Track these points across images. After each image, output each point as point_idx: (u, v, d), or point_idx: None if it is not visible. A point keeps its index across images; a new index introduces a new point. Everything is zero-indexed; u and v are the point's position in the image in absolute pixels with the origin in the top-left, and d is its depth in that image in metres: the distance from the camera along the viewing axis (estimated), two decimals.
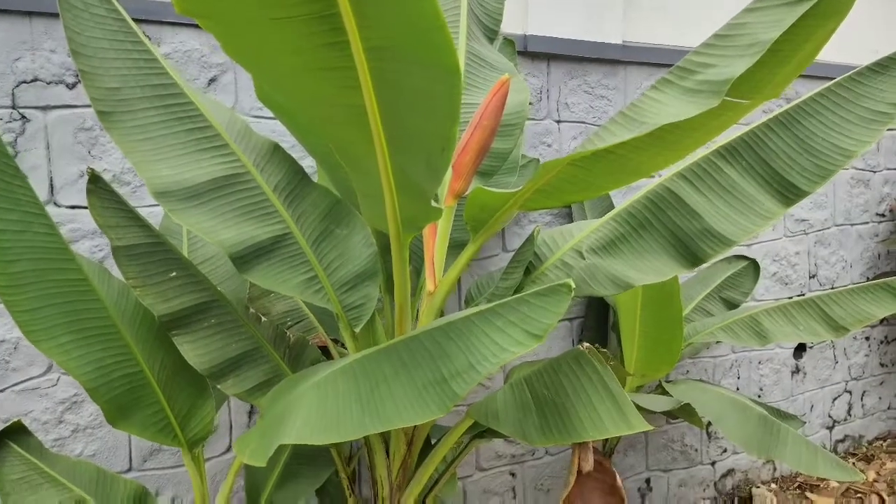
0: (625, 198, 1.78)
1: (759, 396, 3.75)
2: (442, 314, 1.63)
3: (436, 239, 1.57)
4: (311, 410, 1.25)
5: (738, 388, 3.67)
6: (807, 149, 1.64)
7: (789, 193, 1.62)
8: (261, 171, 1.57)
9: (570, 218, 2.91)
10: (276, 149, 1.69)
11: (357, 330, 1.61)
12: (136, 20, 2.21)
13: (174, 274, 1.56)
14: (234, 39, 1.08)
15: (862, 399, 4.14)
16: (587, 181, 1.42)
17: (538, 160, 2.80)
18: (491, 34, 2.10)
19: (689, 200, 1.61)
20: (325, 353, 1.94)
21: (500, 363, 1.11)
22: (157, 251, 1.55)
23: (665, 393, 2.77)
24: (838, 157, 1.62)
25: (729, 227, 1.58)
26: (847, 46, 3.16)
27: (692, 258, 1.59)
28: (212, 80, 2.30)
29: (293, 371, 1.66)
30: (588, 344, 1.37)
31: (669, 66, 3.15)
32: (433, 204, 1.25)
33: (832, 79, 1.73)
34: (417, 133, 1.13)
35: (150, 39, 2.24)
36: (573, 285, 1.08)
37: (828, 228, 3.85)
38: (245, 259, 1.48)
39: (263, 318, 1.72)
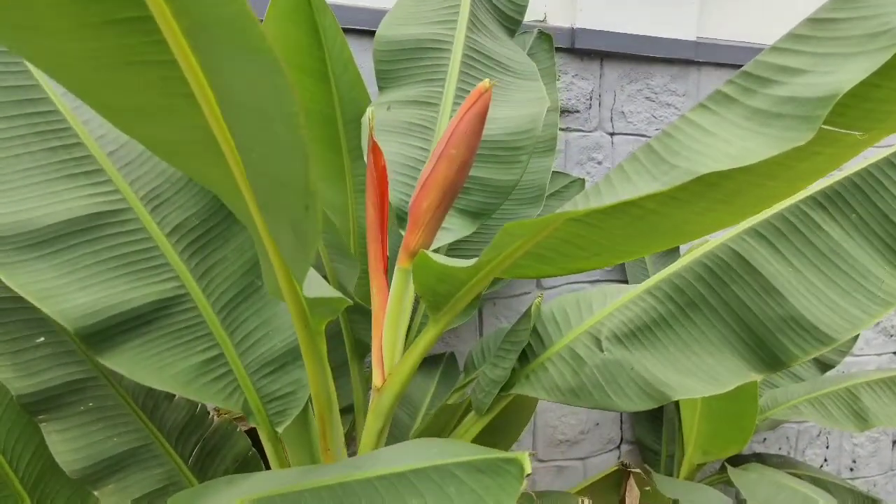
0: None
1: (852, 470, 3.09)
2: (394, 409, 1.17)
3: (386, 312, 1.10)
4: None
5: (825, 461, 3.03)
6: None
7: None
8: (156, 206, 1.15)
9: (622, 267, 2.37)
10: None
11: (280, 430, 1.16)
12: None
13: (42, 339, 1.16)
14: None
15: None
16: (600, 243, 0.91)
17: (583, 181, 2.28)
18: (511, 24, 1.60)
19: (767, 271, 1.07)
20: None
21: None
22: (18, 308, 1.15)
23: (728, 483, 2.22)
24: None
25: (828, 315, 1.04)
26: None
27: (769, 359, 1.06)
28: None
29: (200, 477, 1.23)
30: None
31: None
32: (310, 291, 0.79)
33: None
34: (271, 174, 0.67)
35: None
36: (528, 468, 0.60)
37: None
38: (104, 335, 1.04)
39: (178, 395, 1.30)
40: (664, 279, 1.13)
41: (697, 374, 1.07)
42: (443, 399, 1.60)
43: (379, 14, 1.65)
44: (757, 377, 1.06)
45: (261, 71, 0.55)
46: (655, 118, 2.47)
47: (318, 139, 1.59)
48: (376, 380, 1.10)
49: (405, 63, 1.41)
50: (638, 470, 1.32)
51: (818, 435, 2.99)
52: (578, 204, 0.79)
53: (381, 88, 1.48)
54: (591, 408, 1.09)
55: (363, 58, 2.09)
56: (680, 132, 0.74)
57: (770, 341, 1.06)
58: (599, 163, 2.41)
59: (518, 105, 1.34)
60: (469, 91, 1.38)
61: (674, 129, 0.76)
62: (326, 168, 1.66)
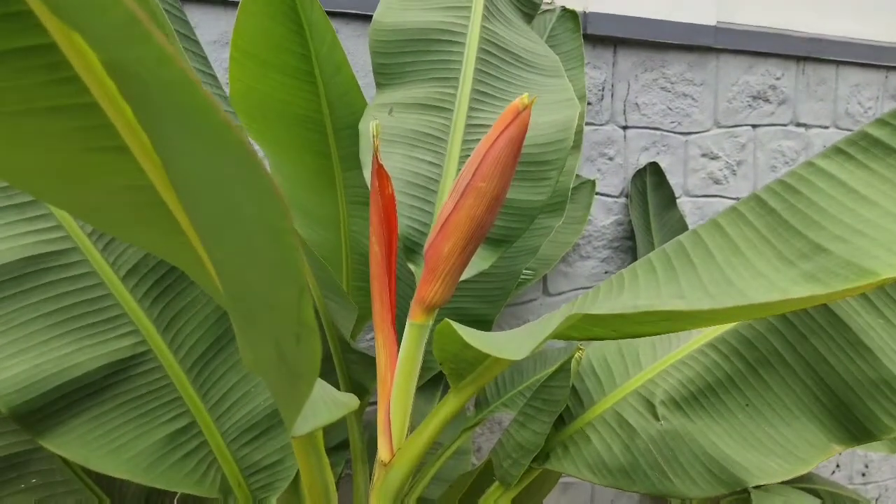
0: None
1: (864, 475, 2.97)
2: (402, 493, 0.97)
3: (394, 375, 0.90)
4: None
5: (837, 466, 2.90)
6: None
7: None
8: (108, 242, 0.93)
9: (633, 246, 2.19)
10: None
11: None
12: None
13: None
14: None
15: None
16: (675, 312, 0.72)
17: (594, 183, 2.10)
18: (529, 8, 1.38)
19: (855, 324, 0.89)
20: None
21: None
22: None
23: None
24: None
25: None
26: None
27: (855, 429, 0.88)
28: None
29: None
30: None
31: (778, 56, 2.36)
32: (303, 428, 0.59)
33: None
34: (247, 289, 0.46)
35: None
36: None
37: None
38: (45, 412, 0.83)
39: None
40: (730, 330, 0.94)
41: (773, 450, 0.88)
42: (450, 441, 1.40)
43: None
44: (839, 449, 0.88)
45: (229, 167, 0.34)
46: (671, 110, 2.27)
47: (302, 145, 1.38)
48: (383, 453, 0.90)
49: (409, 56, 1.19)
50: None
51: None
52: (662, 293, 0.59)
53: (379, 85, 1.26)
54: (647, 494, 0.90)
55: (352, 44, 1.86)
56: (812, 189, 0.54)
57: (857, 408, 0.88)
58: (611, 158, 2.22)
59: (545, 109, 1.13)
60: (487, 93, 1.17)
61: (800, 182, 0.56)
62: (313, 175, 1.45)
